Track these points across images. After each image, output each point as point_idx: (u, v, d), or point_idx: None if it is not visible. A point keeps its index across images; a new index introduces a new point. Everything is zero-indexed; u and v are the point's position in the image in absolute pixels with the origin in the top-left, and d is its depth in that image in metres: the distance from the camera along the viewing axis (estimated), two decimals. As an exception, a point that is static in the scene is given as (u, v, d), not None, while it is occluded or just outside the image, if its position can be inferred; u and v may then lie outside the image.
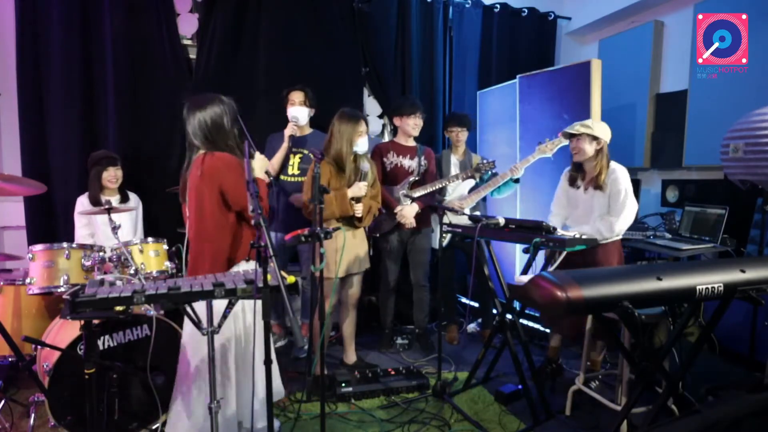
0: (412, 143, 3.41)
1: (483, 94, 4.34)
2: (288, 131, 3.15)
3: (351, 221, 2.83)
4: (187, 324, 1.98)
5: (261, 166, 2.17)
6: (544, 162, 3.22)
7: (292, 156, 3.22)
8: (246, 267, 2.07)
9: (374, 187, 2.92)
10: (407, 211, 3.20)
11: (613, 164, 2.63)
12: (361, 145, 2.78)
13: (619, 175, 2.58)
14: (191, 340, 2.05)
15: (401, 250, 3.44)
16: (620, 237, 2.68)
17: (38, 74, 3.34)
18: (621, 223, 2.55)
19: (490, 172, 3.39)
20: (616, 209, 2.56)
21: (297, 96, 3.20)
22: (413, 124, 3.32)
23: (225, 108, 2.09)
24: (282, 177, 3.23)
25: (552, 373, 2.89)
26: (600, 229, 2.56)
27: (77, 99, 3.40)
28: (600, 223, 2.58)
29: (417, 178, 3.32)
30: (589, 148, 2.60)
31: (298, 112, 3.17)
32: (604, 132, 2.62)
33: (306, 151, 3.22)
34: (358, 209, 2.78)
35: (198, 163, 2.03)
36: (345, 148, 2.76)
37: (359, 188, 2.78)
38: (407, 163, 3.34)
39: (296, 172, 3.23)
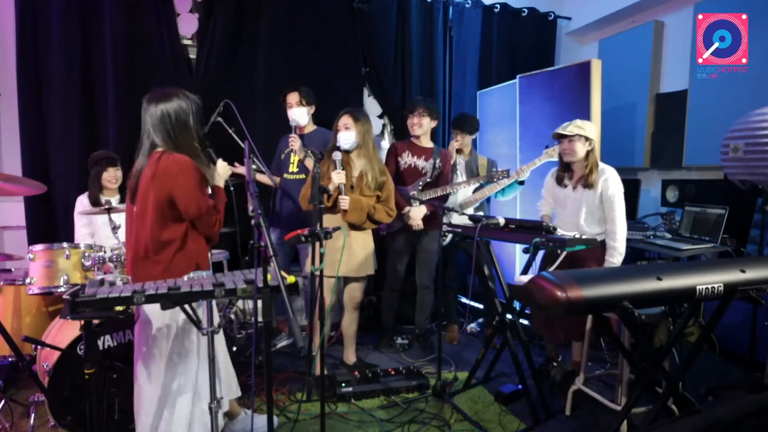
0: (428, 144, 3.38)
1: (483, 94, 4.35)
2: (292, 145, 3.15)
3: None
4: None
5: (223, 174, 2.04)
6: (545, 163, 3.22)
7: (292, 155, 3.24)
8: None
9: (383, 192, 2.86)
10: (414, 212, 3.19)
11: (602, 164, 2.67)
12: (341, 140, 2.76)
13: (610, 175, 2.60)
14: (155, 320, 1.91)
15: (408, 251, 3.43)
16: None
17: (38, 74, 3.34)
18: (620, 234, 2.54)
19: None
20: (611, 217, 2.57)
21: (292, 97, 3.20)
22: (410, 124, 3.32)
23: (191, 105, 1.91)
24: (284, 175, 3.27)
25: (553, 372, 2.88)
26: (613, 262, 2.55)
27: (77, 99, 3.40)
28: (611, 258, 2.55)
29: (429, 180, 3.29)
30: (582, 150, 2.62)
31: (297, 115, 3.17)
32: (594, 132, 2.66)
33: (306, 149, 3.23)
34: (343, 202, 2.72)
35: (152, 163, 1.84)
36: (332, 142, 2.86)
37: (331, 178, 2.73)
38: (421, 164, 3.32)
39: (295, 170, 3.25)
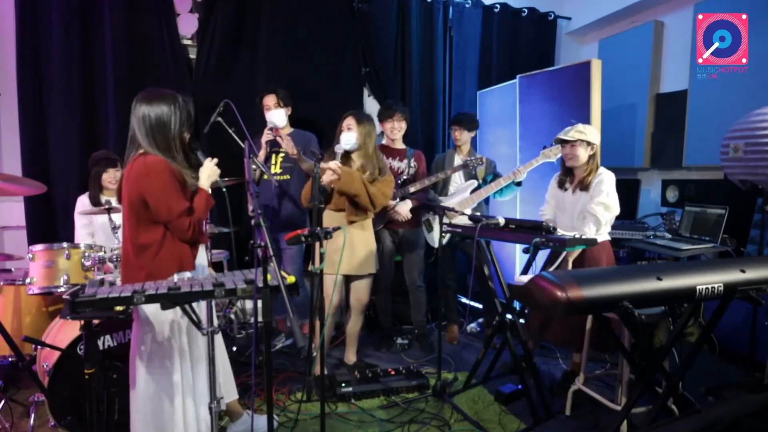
0: (401, 146, 3.43)
1: (483, 94, 4.34)
2: (264, 138, 3.12)
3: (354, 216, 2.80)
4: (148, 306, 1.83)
5: (209, 175, 1.97)
6: (545, 164, 3.22)
7: (274, 155, 3.23)
8: None
9: (382, 182, 2.82)
10: (400, 207, 3.22)
11: (602, 168, 2.65)
12: (342, 140, 2.75)
13: (605, 178, 2.58)
14: (153, 320, 1.89)
15: (393, 250, 3.45)
16: (607, 238, 2.67)
17: (38, 74, 3.34)
18: (593, 228, 2.51)
19: (493, 174, 3.44)
20: (591, 206, 2.54)
21: (270, 99, 3.18)
22: (390, 128, 3.36)
23: (175, 109, 1.88)
24: (265, 176, 3.21)
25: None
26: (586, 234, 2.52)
27: (77, 99, 3.40)
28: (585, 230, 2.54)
29: (406, 178, 3.35)
30: (584, 154, 2.62)
31: (275, 116, 3.13)
32: (596, 136, 2.65)
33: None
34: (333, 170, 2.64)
35: (129, 164, 1.86)
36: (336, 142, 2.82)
37: (328, 169, 2.67)
38: (396, 164, 3.37)
39: (278, 170, 3.24)
